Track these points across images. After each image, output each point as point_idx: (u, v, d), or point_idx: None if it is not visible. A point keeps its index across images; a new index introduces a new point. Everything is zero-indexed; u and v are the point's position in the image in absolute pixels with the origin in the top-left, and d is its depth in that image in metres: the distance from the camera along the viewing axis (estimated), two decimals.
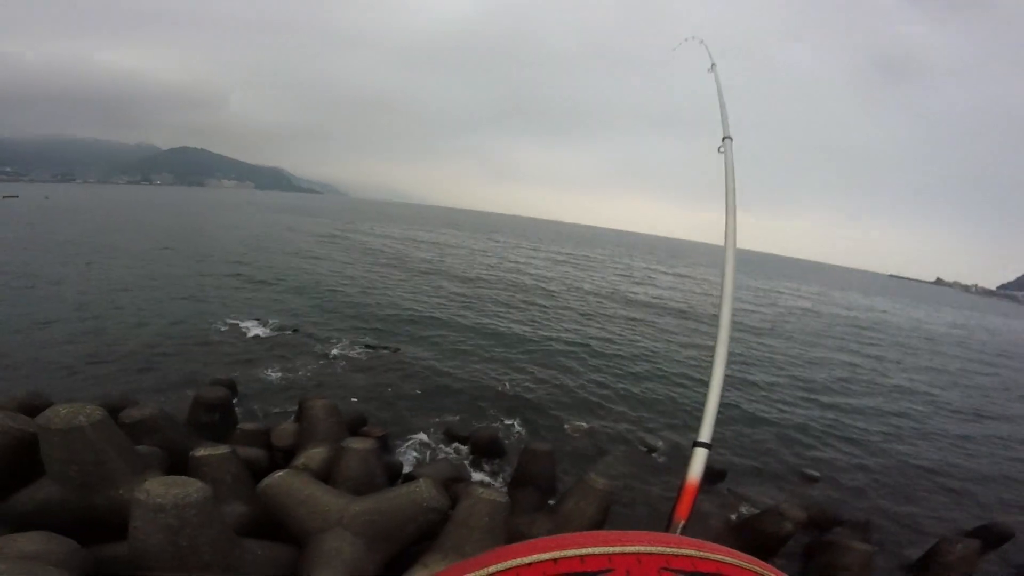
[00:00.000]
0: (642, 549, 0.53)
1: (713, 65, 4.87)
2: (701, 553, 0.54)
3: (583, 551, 0.53)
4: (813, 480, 11.23)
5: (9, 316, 16.01)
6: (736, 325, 30.16)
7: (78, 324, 15.93)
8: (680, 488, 2.72)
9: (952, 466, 13.46)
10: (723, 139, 4.01)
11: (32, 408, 6.16)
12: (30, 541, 3.58)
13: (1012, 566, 8.81)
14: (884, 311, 60.28)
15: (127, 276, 23.92)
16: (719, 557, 0.55)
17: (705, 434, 2.87)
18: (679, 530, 2.58)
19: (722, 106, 4.32)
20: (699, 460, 2.86)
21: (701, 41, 5.42)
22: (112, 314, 17.42)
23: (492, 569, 0.53)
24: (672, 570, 0.51)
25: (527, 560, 0.53)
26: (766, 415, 14.85)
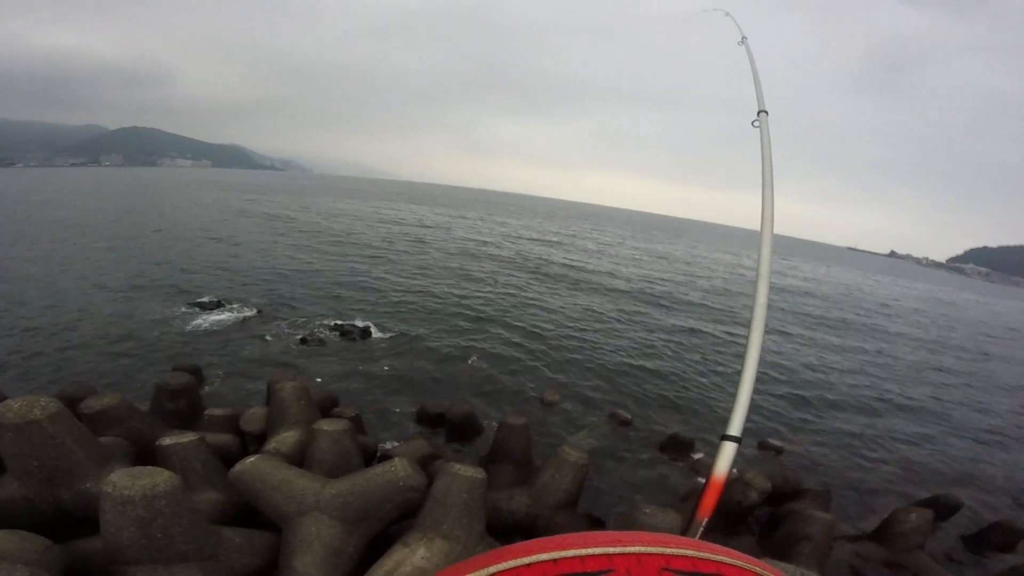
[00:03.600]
0: (642, 549, 0.54)
1: (744, 39, 4.64)
2: (701, 553, 0.55)
3: (583, 551, 0.53)
4: (777, 451, 11.61)
5: None
6: (695, 294, 30.92)
7: (25, 315, 15.16)
8: (704, 484, 2.58)
9: (906, 439, 14.07)
10: (758, 113, 3.85)
11: None
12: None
13: (962, 536, 9.29)
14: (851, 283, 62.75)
15: (75, 263, 22.77)
16: (719, 557, 0.55)
17: (735, 427, 2.70)
18: (702, 528, 2.45)
19: (756, 79, 4.15)
20: (727, 455, 2.71)
21: (727, 13, 5.10)
22: (62, 303, 16.63)
23: (492, 569, 0.54)
24: (672, 570, 0.52)
25: (527, 560, 0.53)
26: (730, 386, 15.34)
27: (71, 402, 5.51)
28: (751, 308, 3.04)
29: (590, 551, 0.53)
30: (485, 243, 44.82)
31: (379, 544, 5.02)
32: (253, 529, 4.97)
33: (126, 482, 3.75)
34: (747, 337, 2.90)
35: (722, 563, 0.54)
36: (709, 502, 2.50)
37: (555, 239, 57.90)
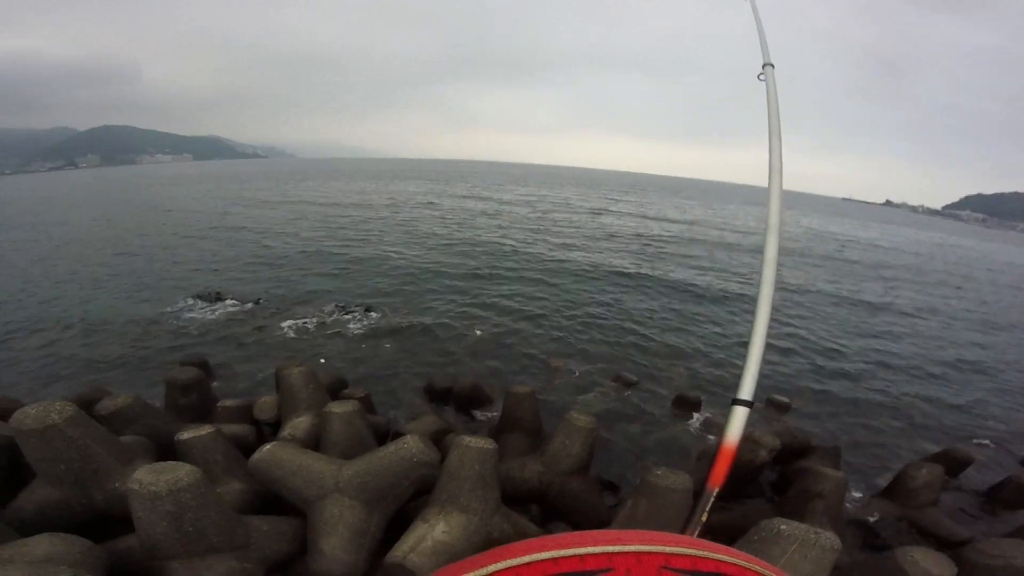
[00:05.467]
0: (642, 548, 0.54)
1: None
2: (701, 552, 0.56)
3: (583, 550, 0.54)
4: (784, 407, 11.46)
5: None
6: (694, 252, 30.88)
7: (27, 321, 15.15)
8: (716, 451, 2.52)
9: (912, 393, 13.82)
10: (763, 66, 3.83)
11: (2, 412, 5.95)
12: (42, 544, 3.48)
13: (973, 491, 9.23)
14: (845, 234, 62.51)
15: (69, 265, 22.61)
16: (719, 556, 0.56)
17: (746, 391, 2.64)
18: (712, 499, 2.41)
19: (760, 33, 4.10)
20: (738, 420, 2.66)
21: None
22: (61, 306, 16.61)
23: (491, 569, 0.55)
24: (672, 569, 0.53)
25: (526, 560, 0.54)
26: (737, 340, 15.60)
27: (86, 404, 5.56)
28: (760, 263, 2.95)
29: (589, 550, 0.54)
30: (478, 215, 44.35)
31: (399, 522, 5.15)
32: (279, 516, 5.10)
33: (151, 478, 3.80)
34: (756, 295, 2.85)
35: (721, 561, 0.55)
36: (720, 471, 2.47)
37: (548, 206, 57.24)
